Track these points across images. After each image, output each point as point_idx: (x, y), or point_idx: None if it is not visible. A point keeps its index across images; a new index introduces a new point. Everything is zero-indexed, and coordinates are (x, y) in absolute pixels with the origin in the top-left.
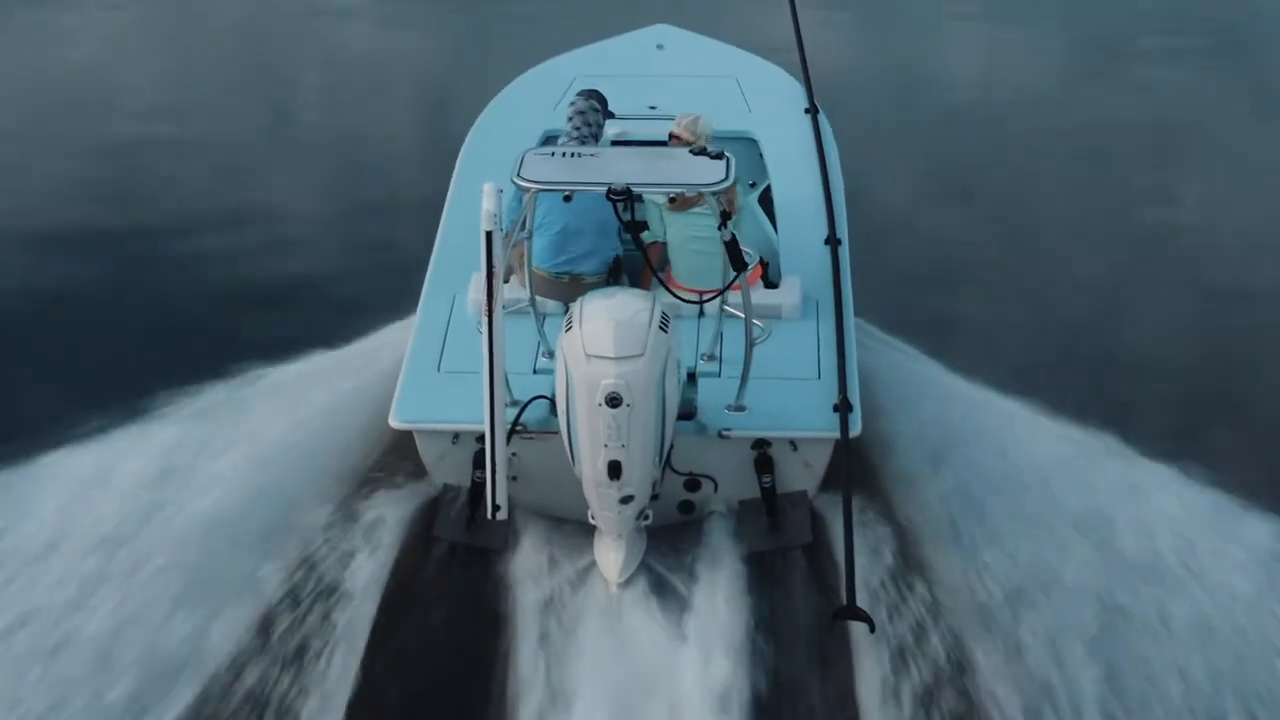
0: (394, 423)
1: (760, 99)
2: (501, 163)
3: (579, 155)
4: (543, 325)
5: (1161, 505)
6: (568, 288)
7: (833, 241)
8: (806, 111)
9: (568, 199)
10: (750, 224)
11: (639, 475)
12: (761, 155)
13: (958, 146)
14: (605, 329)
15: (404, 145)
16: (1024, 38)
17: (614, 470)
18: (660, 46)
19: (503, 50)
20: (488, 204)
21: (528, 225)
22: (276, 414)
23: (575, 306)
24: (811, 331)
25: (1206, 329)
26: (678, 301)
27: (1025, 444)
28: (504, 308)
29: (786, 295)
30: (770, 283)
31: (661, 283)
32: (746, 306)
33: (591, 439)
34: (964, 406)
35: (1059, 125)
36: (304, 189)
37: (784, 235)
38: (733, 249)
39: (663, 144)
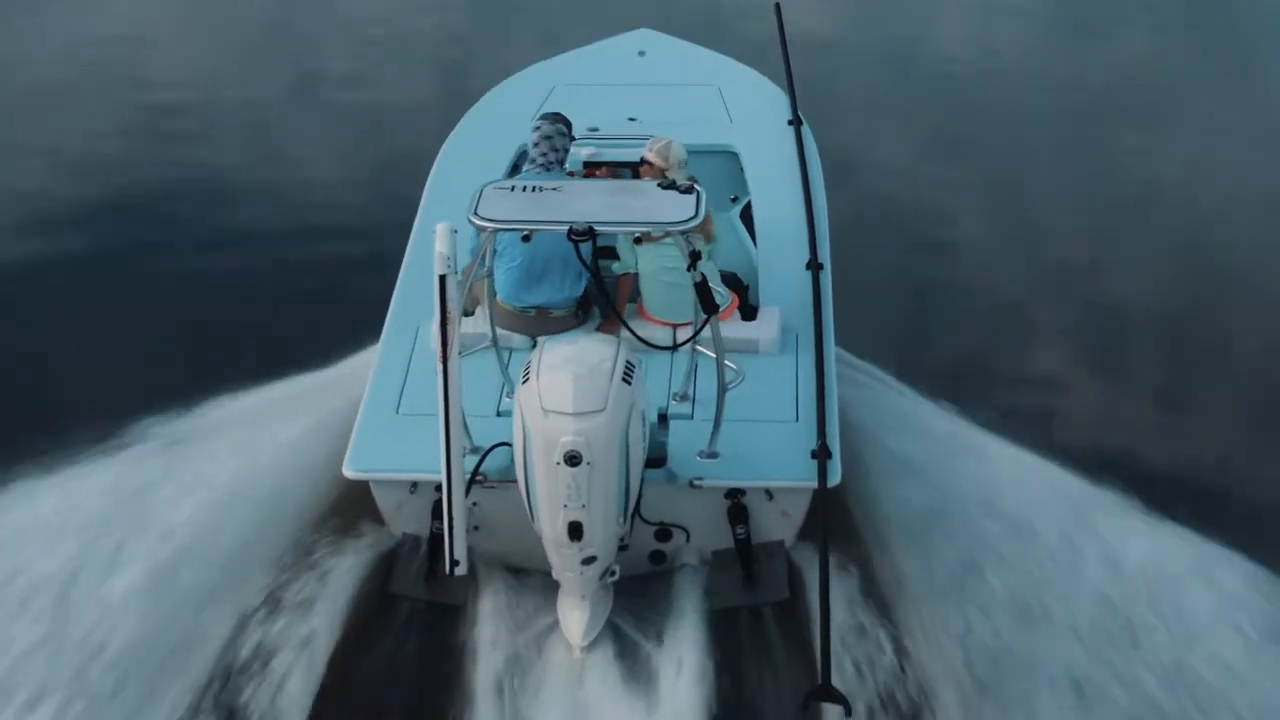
0: (348, 472)
1: (742, 109)
2: (473, 185)
3: (540, 190)
4: (508, 363)
5: (1164, 568)
6: (535, 322)
7: (814, 266)
8: (790, 123)
9: (526, 239)
10: (731, 242)
11: (601, 535)
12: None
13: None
14: (563, 382)
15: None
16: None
17: (574, 531)
18: (642, 53)
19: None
20: (440, 246)
21: (487, 263)
22: (231, 450)
23: (534, 355)
24: (790, 367)
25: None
26: (646, 344)
27: (1017, 487)
28: (468, 346)
29: (764, 328)
30: (749, 310)
31: (625, 325)
32: (718, 349)
33: (550, 498)
34: (951, 446)
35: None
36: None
37: (763, 258)
38: (703, 291)
39: (636, 165)
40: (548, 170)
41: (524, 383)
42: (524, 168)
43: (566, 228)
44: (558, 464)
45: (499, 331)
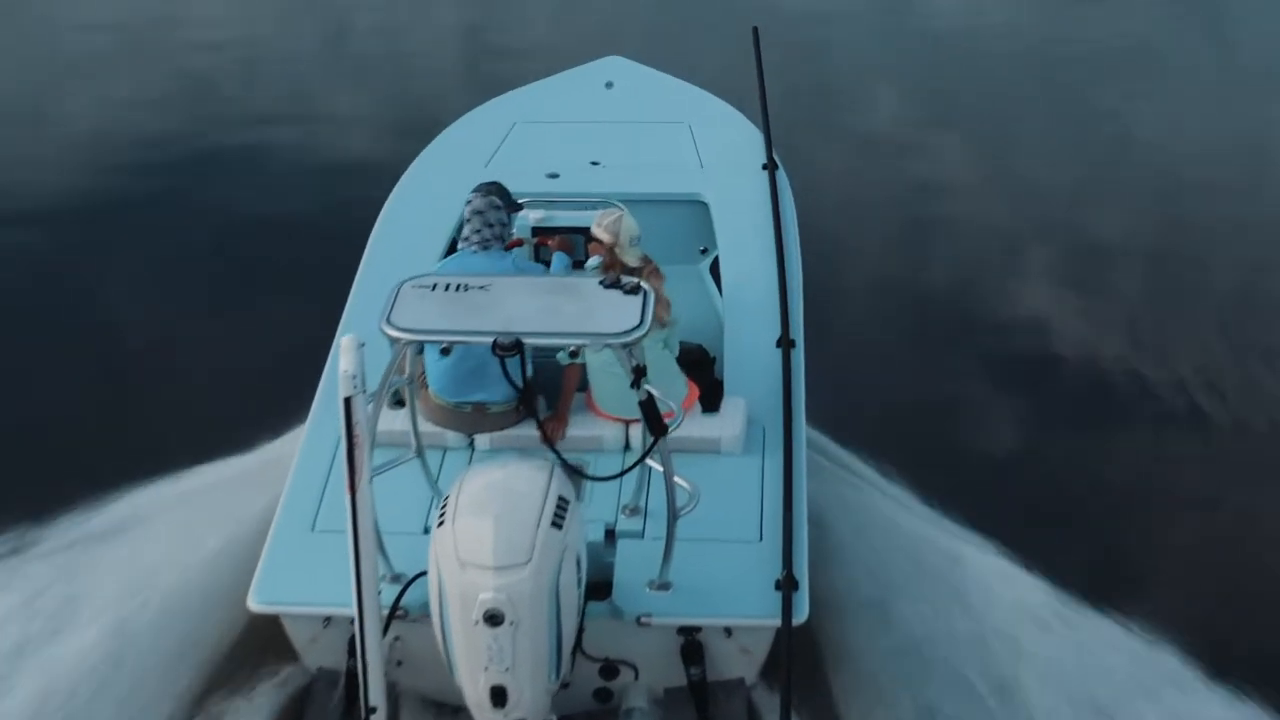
0: (253, 605)
1: (714, 152)
2: (421, 248)
3: (464, 289)
4: (441, 466)
5: None
6: (471, 418)
7: (785, 344)
8: (764, 168)
9: (445, 352)
10: (700, 299)
11: (530, 696)
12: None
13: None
14: (482, 529)
15: None
16: None
17: (498, 697)
18: (609, 85)
19: None
20: (346, 364)
21: (406, 371)
22: (122, 565)
23: (453, 489)
24: (755, 470)
25: None
26: (585, 476)
27: (1004, 603)
28: (395, 447)
29: (727, 424)
30: (713, 390)
31: (560, 458)
32: (667, 472)
33: (469, 658)
34: (934, 557)
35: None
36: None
37: (730, 330)
38: (649, 411)
39: (586, 232)
40: (485, 249)
41: (439, 525)
42: (459, 246)
43: (491, 340)
44: (476, 623)
45: (432, 429)
